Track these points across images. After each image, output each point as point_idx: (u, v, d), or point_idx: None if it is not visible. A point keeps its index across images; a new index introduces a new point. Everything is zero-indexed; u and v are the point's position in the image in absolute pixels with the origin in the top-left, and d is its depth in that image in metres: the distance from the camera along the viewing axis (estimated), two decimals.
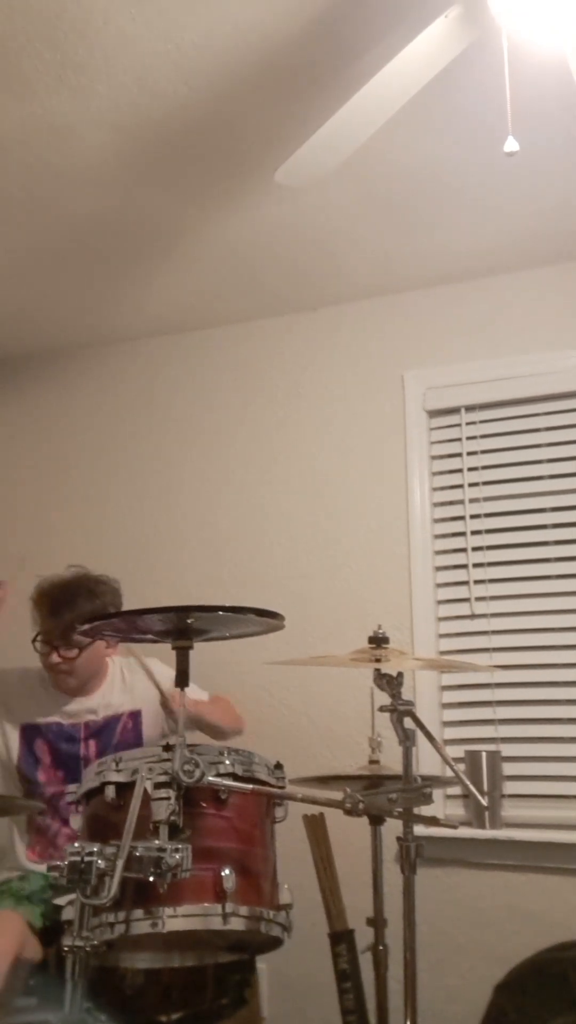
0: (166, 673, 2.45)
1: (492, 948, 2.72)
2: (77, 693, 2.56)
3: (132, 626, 1.87)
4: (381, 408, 3.26)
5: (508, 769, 2.86)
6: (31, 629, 2.54)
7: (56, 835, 2.47)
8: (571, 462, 3.00)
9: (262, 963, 2.71)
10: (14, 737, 2.53)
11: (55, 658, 2.47)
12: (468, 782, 1.95)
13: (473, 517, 3.07)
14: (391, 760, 2.11)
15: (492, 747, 2.87)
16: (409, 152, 2.54)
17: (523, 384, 3.07)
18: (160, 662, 2.50)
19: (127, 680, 2.62)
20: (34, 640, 2.51)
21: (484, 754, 2.83)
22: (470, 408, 3.14)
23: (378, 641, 2.00)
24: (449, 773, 2.35)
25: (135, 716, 2.58)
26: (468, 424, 3.13)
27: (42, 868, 2.42)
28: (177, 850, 1.56)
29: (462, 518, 3.09)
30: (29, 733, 2.53)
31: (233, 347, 3.53)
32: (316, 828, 2.45)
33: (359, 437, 3.28)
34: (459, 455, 3.13)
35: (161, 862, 1.55)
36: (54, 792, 2.47)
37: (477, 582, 3.03)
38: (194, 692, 2.52)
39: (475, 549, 3.05)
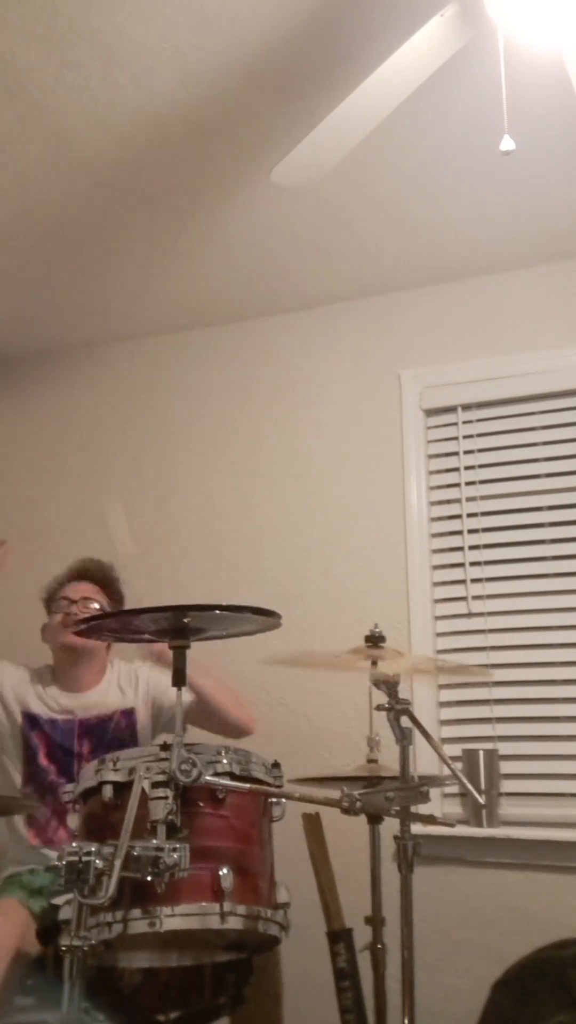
0: (155, 675, 2.61)
1: (490, 946, 2.72)
2: (74, 687, 2.60)
3: (129, 625, 1.87)
4: (378, 407, 3.26)
5: (505, 767, 2.86)
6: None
7: (48, 822, 2.49)
8: (568, 460, 3.00)
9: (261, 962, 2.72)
10: (17, 719, 2.58)
11: (70, 637, 2.54)
12: (465, 780, 1.95)
13: (470, 516, 3.07)
14: (389, 759, 2.11)
15: (489, 745, 2.87)
16: (405, 151, 2.54)
17: (520, 383, 3.07)
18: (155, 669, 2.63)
19: (122, 683, 2.67)
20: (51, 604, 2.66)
21: (481, 752, 2.83)
22: (467, 407, 3.14)
23: (375, 640, 2.00)
24: (447, 772, 2.35)
25: (128, 714, 2.60)
26: (465, 423, 3.13)
27: (48, 853, 2.44)
28: (175, 849, 1.57)
29: (459, 517, 3.09)
30: (30, 721, 2.57)
31: (229, 346, 3.53)
32: (314, 827, 2.45)
33: (356, 436, 3.28)
34: (456, 454, 3.13)
35: (159, 861, 1.55)
36: (50, 781, 2.50)
37: (474, 581, 3.03)
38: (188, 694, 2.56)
39: (472, 548, 3.05)
